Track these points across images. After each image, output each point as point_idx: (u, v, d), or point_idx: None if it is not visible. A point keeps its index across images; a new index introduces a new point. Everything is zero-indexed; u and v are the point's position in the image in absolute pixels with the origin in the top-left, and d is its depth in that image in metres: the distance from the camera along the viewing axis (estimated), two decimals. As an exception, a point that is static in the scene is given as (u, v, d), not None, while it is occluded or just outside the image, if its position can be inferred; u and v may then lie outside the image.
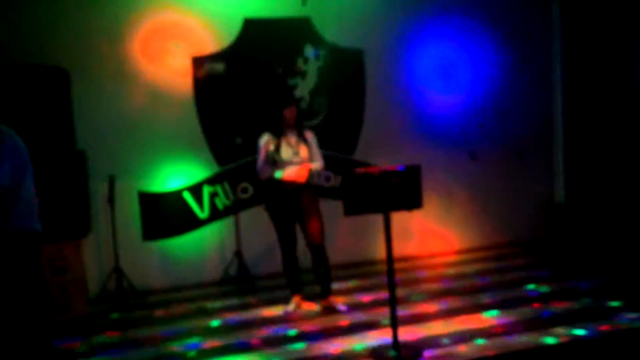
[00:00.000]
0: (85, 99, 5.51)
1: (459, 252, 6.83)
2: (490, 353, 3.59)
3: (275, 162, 4.56)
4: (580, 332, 3.87)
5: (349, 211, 3.64)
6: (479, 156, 7.03)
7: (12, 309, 3.73)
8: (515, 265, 6.03)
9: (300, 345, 3.95)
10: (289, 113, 4.67)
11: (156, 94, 5.86)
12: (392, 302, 3.65)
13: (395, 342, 3.60)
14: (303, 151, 4.69)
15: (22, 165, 3.82)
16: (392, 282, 3.67)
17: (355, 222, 5.58)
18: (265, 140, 4.65)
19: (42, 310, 4.26)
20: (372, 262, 6.32)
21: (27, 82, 5.03)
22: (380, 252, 5.82)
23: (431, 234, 6.84)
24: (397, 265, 3.76)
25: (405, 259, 6.36)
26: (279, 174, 4.63)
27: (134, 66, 5.80)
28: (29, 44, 5.41)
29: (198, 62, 6.01)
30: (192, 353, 3.95)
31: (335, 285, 5.03)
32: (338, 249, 5.74)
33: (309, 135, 4.80)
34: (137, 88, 5.81)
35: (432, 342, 3.84)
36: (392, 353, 3.59)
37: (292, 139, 4.68)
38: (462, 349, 3.69)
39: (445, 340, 3.86)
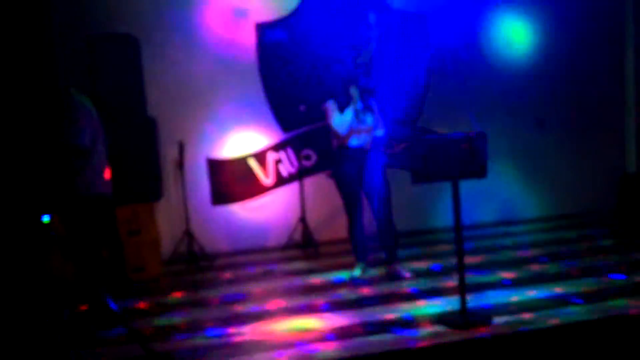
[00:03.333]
0: (155, 66, 5.64)
1: (526, 221, 6.73)
2: (557, 322, 3.56)
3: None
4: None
5: (418, 179, 3.65)
6: (546, 123, 6.85)
7: (88, 267, 3.96)
8: (584, 236, 5.90)
9: (366, 310, 4.01)
10: (354, 84, 4.68)
11: (222, 61, 5.95)
12: (461, 269, 3.65)
13: (464, 308, 3.62)
14: (369, 119, 4.70)
15: (95, 131, 4.01)
16: (461, 248, 3.66)
17: (421, 189, 5.56)
18: (333, 107, 4.70)
19: (111, 267, 4.48)
20: (437, 230, 6.31)
21: (100, 51, 5.19)
22: (445, 220, 5.84)
23: (498, 203, 6.75)
24: (463, 233, 3.74)
25: (470, 227, 6.30)
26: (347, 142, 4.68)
27: (201, 34, 5.90)
28: (99, 13, 5.55)
29: (261, 28, 6.04)
30: (258, 314, 4.08)
31: (401, 252, 5.06)
32: (403, 216, 5.73)
33: (374, 103, 4.80)
34: (204, 56, 5.91)
35: (500, 309, 3.84)
36: (461, 319, 3.60)
37: (358, 107, 4.67)
38: (531, 317, 3.67)
39: (513, 308, 3.84)
